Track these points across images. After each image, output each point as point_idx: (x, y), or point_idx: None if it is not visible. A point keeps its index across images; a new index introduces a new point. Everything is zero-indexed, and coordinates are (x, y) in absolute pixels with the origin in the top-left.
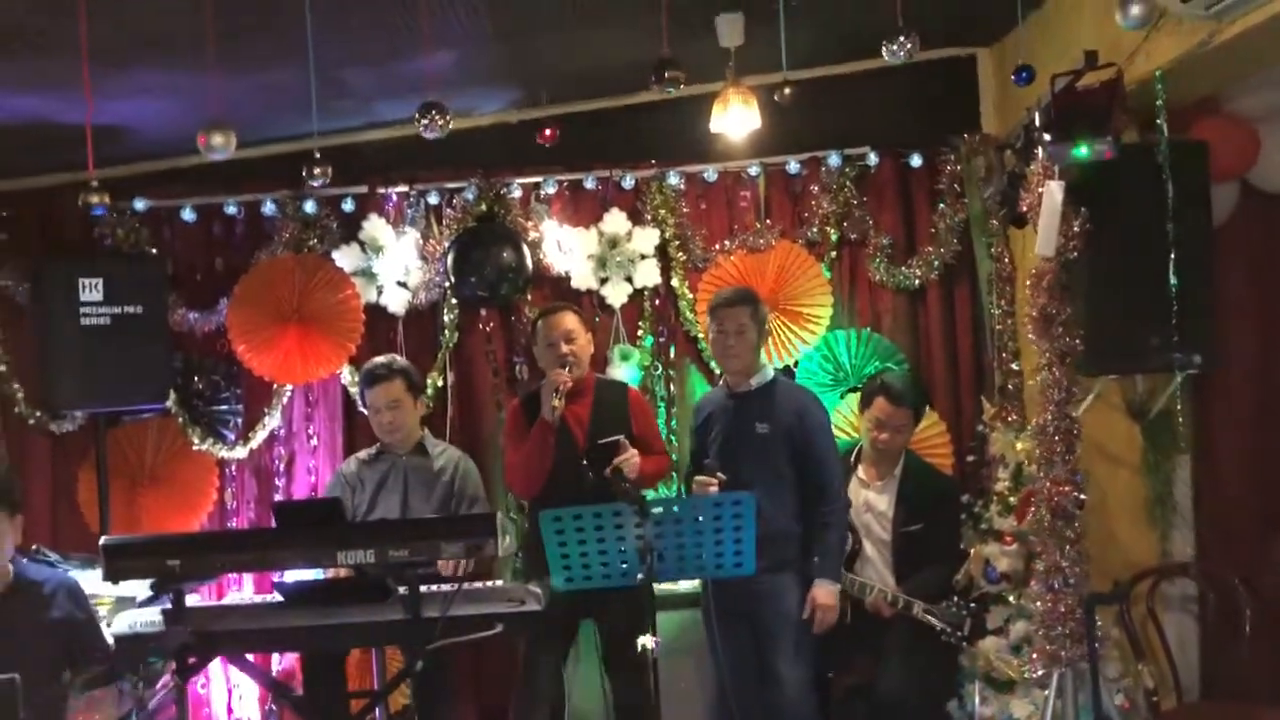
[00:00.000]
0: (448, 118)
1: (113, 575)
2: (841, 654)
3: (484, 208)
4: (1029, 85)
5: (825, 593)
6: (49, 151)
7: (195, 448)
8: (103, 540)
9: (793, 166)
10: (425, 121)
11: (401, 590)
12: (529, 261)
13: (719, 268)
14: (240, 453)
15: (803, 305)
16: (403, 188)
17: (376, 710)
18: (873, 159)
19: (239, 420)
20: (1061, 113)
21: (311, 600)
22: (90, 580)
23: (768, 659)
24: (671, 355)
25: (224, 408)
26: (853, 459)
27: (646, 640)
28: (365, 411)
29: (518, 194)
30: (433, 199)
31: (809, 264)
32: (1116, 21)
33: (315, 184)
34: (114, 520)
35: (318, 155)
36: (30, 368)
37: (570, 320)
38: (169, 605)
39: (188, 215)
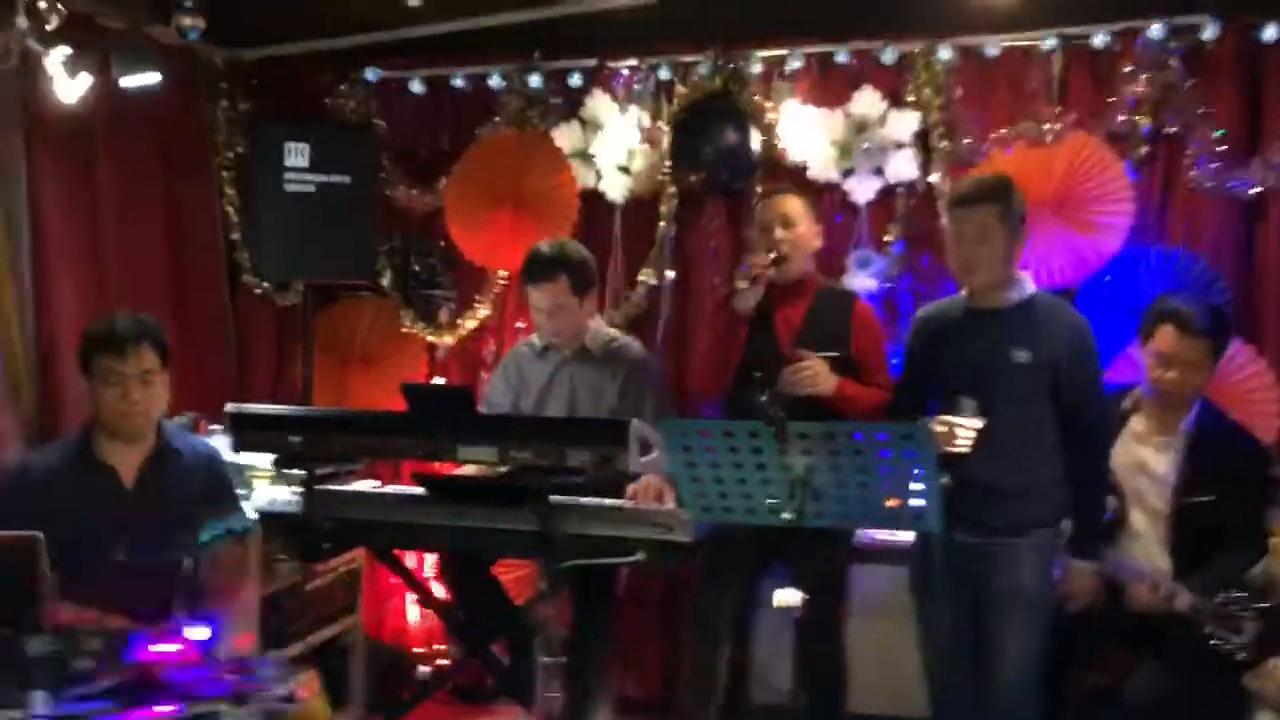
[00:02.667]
0: None
1: (240, 444)
2: (1088, 648)
3: (719, 84)
4: None
5: (1079, 572)
6: (293, 20)
7: (405, 330)
8: (229, 407)
9: (1100, 39)
10: None
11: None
12: (757, 145)
13: (992, 162)
14: (449, 339)
15: (1095, 213)
16: (633, 61)
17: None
18: (1210, 30)
19: (452, 306)
20: None
21: (451, 497)
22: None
23: (988, 634)
24: (924, 266)
25: (439, 292)
26: (1128, 405)
27: (786, 596)
28: None
29: (758, 69)
30: (664, 74)
31: (1108, 162)
32: None
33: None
34: (319, 396)
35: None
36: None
37: (792, 204)
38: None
39: (416, 88)
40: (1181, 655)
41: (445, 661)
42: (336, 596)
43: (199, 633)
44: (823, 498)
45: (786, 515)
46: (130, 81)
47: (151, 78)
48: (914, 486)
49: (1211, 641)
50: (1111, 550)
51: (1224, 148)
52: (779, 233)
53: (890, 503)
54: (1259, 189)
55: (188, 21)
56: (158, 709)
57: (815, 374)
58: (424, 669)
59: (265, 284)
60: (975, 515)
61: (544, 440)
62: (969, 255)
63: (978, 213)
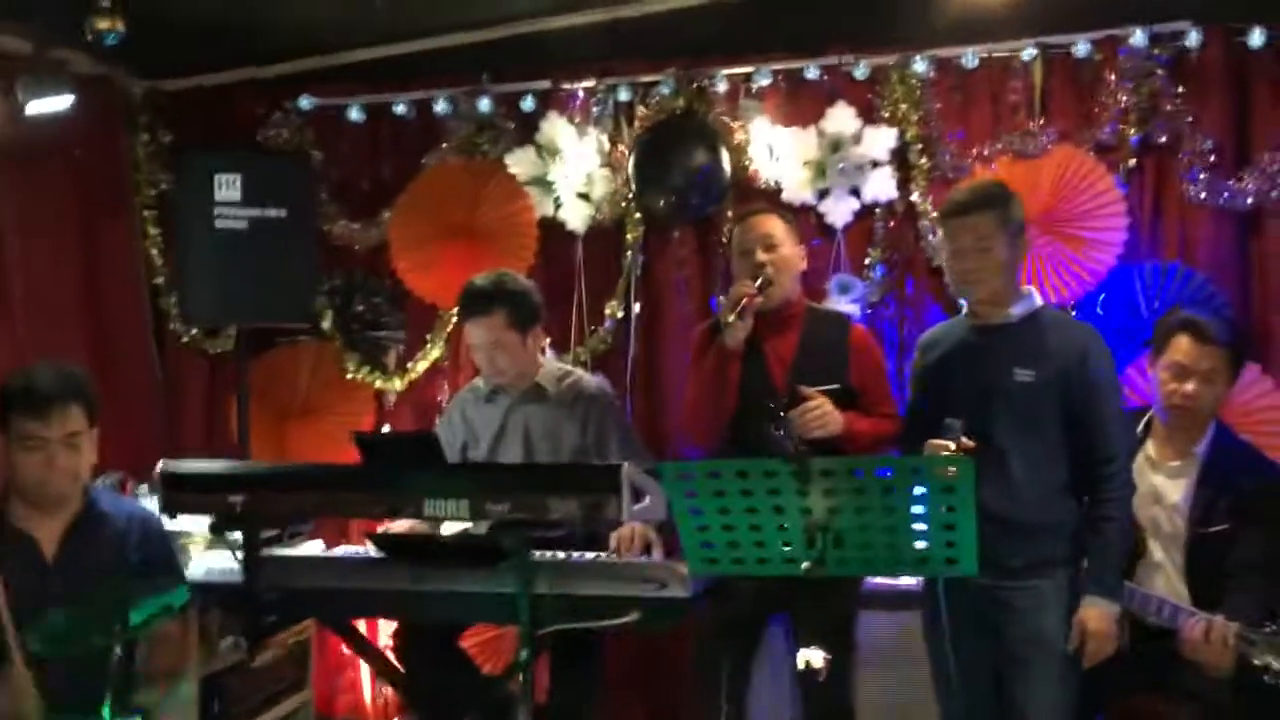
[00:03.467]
0: None
1: (169, 507)
2: (1117, 690)
3: (683, 104)
4: None
5: (1099, 615)
6: (220, 49)
7: (349, 377)
8: (160, 465)
9: (1081, 48)
10: None
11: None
12: (727, 166)
13: (975, 178)
14: (399, 385)
15: (1087, 228)
16: (589, 82)
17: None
18: (1194, 37)
19: (401, 349)
20: None
21: (412, 559)
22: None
23: (1010, 690)
24: (908, 291)
25: (384, 334)
26: (1139, 430)
27: (812, 656)
28: None
29: (724, 88)
30: (623, 95)
31: (1097, 175)
32: None
33: None
34: (257, 450)
35: None
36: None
37: (772, 222)
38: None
39: (355, 115)
40: (1217, 688)
41: None
42: (285, 673)
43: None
44: (846, 544)
45: (805, 565)
46: (38, 107)
47: (62, 102)
48: (949, 527)
49: (1266, 676)
50: (1132, 585)
51: (1214, 158)
52: (761, 256)
53: (920, 545)
54: (1253, 200)
55: (105, 24)
56: None
57: (825, 414)
58: None
59: (194, 330)
60: (989, 554)
61: (524, 490)
62: (968, 268)
63: (974, 221)
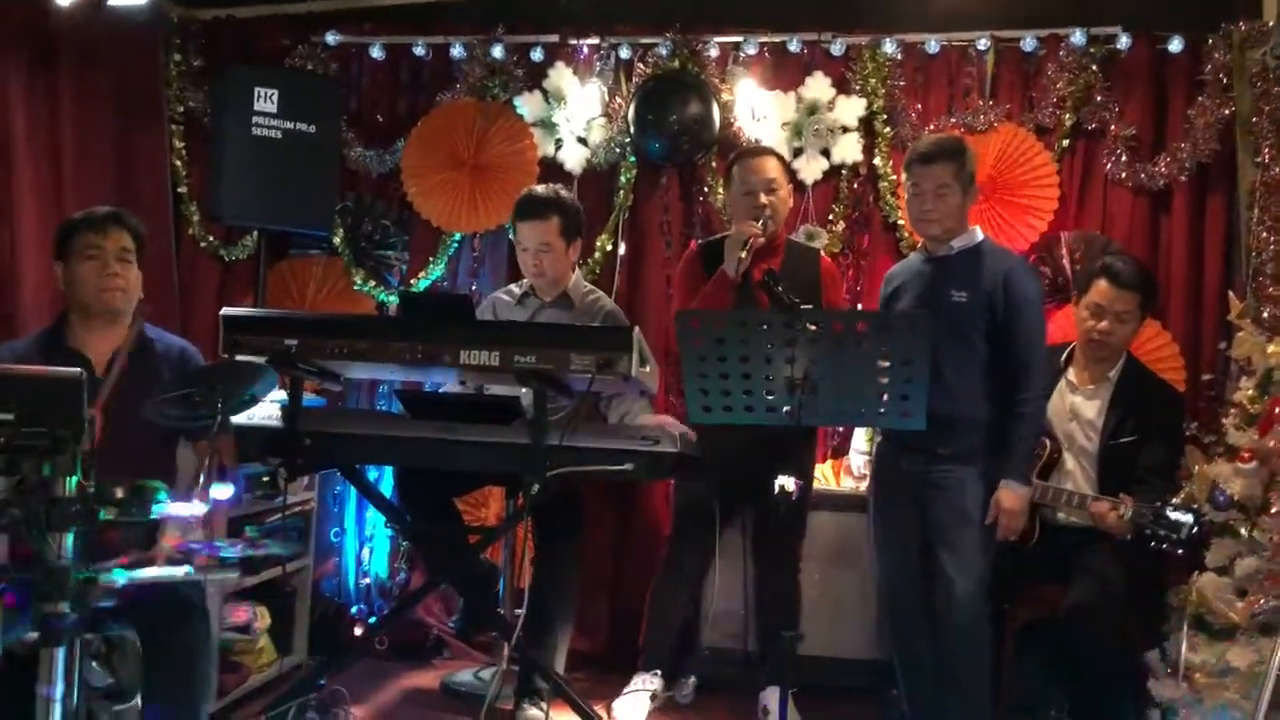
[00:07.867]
0: None
1: (229, 348)
2: (1022, 582)
3: (677, 65)
4: None
5: (1012, 496)
6: None
7: (356, 289)
8: (223, 310)
9: (1028, 43)
10: None
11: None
12: (716, 119)
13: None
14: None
15: (1023, 197)
16: (594, 39)
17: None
18: (1124, 40)
19: (404, 267)
20: None
21: (433, 412)
22: None
23: (937, 559)
24: (865, 244)
25: (390, 252)
26: (1063, 360)
27: (786, 481)
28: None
29: (715, 53)
30: (624, 53)
31: (1035, 151)
32: None
33: None
34: None
35: None
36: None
37: (773, 166)
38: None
39: (376, 53)
40: (1107, 573)
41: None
42: (289, 537)
43: (223, 491)
44: (819, 394)
45: (786, 410)
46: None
47: None
48: (908, 381)
49: (1153, 543)
50: (1048, 483)
51: (1134, 143)
52: (763, 199)
53: (881, 398)
54: (1165, 181)
55: None
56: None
57: None
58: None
59: (211, 237)
60: (923, 443)
61: (549, 345)
62: (926, 209)
63: (935, 170)
